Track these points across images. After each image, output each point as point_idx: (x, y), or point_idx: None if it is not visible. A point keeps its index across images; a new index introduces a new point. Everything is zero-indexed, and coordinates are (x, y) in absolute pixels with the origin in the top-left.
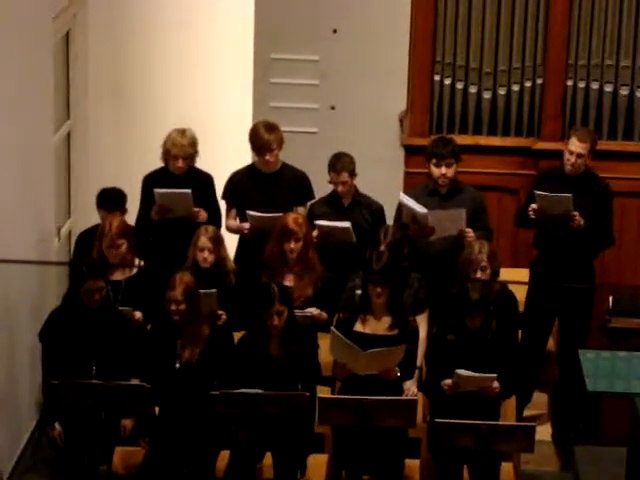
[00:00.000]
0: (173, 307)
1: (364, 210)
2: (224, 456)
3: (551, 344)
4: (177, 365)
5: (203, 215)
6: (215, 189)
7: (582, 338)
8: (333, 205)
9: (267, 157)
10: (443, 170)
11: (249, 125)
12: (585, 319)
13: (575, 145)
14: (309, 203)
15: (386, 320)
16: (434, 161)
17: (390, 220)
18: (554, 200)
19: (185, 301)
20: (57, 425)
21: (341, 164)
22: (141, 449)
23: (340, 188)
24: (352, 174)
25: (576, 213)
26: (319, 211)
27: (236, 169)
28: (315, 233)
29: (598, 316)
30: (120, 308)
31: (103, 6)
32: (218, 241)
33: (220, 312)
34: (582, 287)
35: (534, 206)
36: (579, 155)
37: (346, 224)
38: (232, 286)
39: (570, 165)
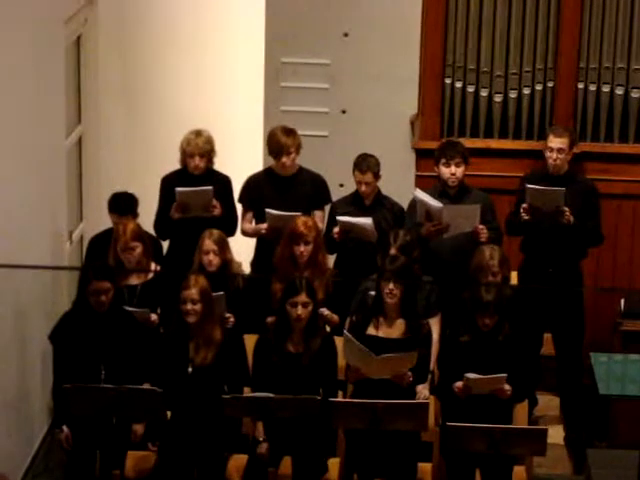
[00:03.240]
0: (189, 307)
1: (385, 211)
2: (236, 459)
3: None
4: (190, 369)
5: (219, 210)
6: (233, 191)
7: (579, 339)
8: (355, 205)
9: (284, 159)
10: (452, 169)
11: (260, 129)
12: (578, 320)
13: (554, 141)
14: (330, 203)
15: (399, 323)
16: (443, 161)
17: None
18: (545, 194)
19: (201, 301)
20: (65, 428)
21: (367, 164)
22: (152, 453)
23: (364, 188)
24: (376, 176)
25: (566, 209)
26: (342, 210)
27: (253, 172)
28: (336, 229)
29: (610, 320)
30: (135, 310)
31: (114, 10)
32: (223, 244)
33: (228, 315)
34: (571, 290)
35: (525, 205)
36: (559, 150)
37: (368, 220)
38: (240, 289)
39: (552, 161)
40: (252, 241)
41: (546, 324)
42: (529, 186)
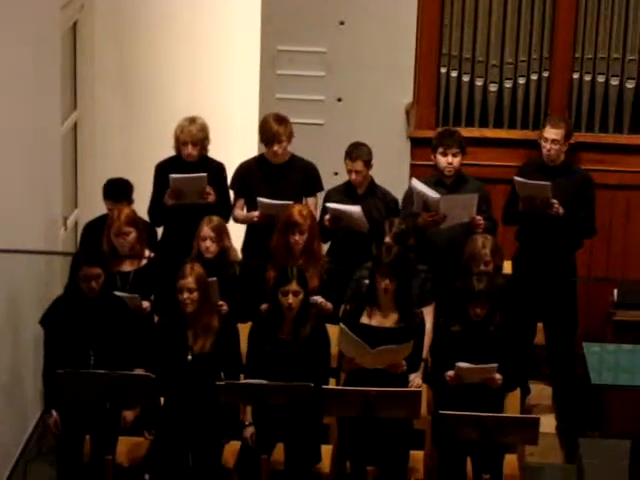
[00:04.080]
0: (185, 295)
1: (377, 200)
2: (232, 445)
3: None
4: (189, 357)
5: (213, 197)
6: (227, 178)
7: (571, 329)
8: (348, 194)
9: (275, 148)
10: (450, 159)
11: (255, 117)
12: (570, 309)
13: (549, 132)
14: (324, 192)
15: (393, 313)
16: (440, 150)
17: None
18: (533, 187)
19: (198, 289)
20: (54, 412)
21: (357, 153)
22: (145, 439)
23: (354, 176)
24: (367, 164)
25: (555, 201)
26: (333, 199)
27: (244, 160)
28: (327, 217)
29: (603, 310)
30: (127, 295)
31: None
32: (221, 231)
33: (221, 302)
34: (565, 280)
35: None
36: (554, 141)
37: (356, 208)
38: (236, 277)
39: (546, 152)
40: (243, 227)
41: (539, 313)
42: (517, 179)
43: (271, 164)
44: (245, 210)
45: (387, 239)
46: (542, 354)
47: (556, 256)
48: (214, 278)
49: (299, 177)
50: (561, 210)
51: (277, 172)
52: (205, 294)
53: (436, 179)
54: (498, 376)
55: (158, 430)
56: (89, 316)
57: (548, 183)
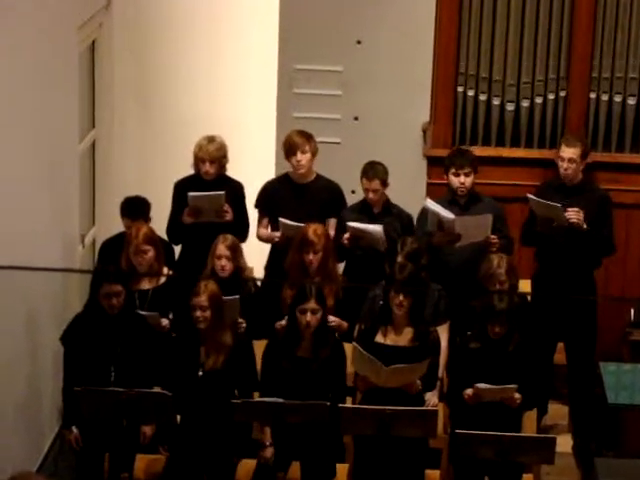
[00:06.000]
0: (198, 313)
1: (394, 219)
2: (245, 464)
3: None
4: (200, 373)
5: (230, 215)
6: (245, 197)
7: (590, 349)
8: (364, 212)
9: (298, 156)
10: (462, 179)
11: (273, 135)
12: (590, 329)
13: (565, 151)
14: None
15: (407, 332)
16: (452, 170)
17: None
18: (545, 207)
19: (210, 307)
20: (74, 429)
21: (374, 172)
22: (162, 456)
23: (371, 195)
24: (384, 183)
25: (572, 218)
26: (349, 218)
27: (270, 178)
28: (346, 236)
29: (619, 329)
30: (146, 313)
31: (128, 16)
32: (236, 250)
33: (240, 320)
34: (584, 298)
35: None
36: (570, 160)
37: (378, 227)
38: (251, 294)
39: (564, 171)
40: (265, 246)
41: (560, 333)
42: (530, 196)
43: (296, 183)
44: (270, 229)
45: (400, 258)
46: (560, 374)
47: (576, 275)
48: (237, 296)
49: (324, 196)
50: (584, 225)
51: (302, 191)
52: (218, 312)
53: (450, 198)
54: (517, 395)
55: (173, 447)
56: (110, 333)
57: (559, 205)
